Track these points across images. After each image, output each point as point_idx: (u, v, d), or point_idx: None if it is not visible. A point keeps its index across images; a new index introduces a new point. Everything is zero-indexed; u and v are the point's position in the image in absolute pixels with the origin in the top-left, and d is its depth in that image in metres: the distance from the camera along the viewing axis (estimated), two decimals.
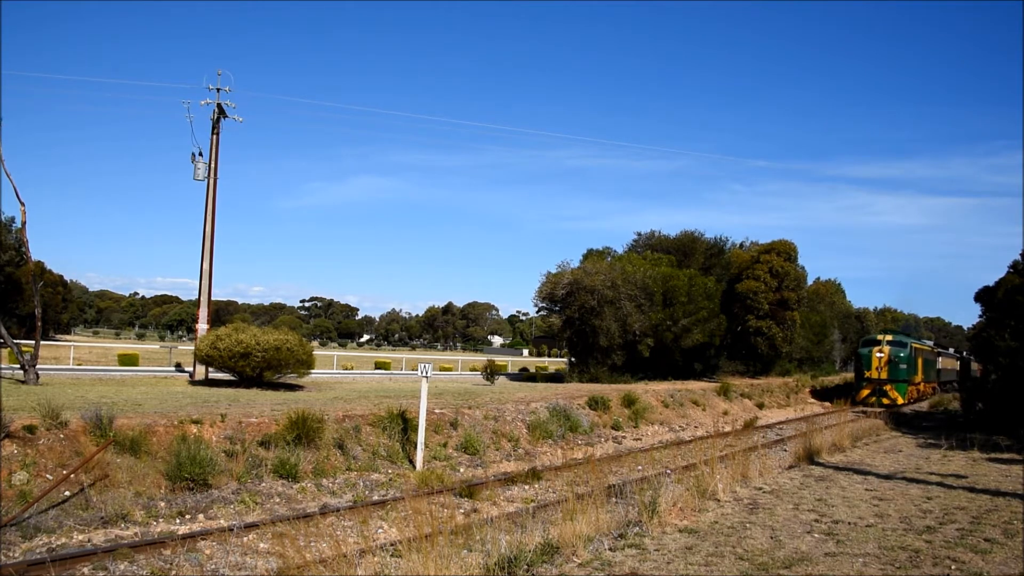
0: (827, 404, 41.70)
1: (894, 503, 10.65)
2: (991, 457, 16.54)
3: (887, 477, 13.26)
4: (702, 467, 11.46)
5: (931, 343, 59.82)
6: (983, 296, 26.08)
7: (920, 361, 41.94)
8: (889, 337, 40.00)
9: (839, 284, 77.66)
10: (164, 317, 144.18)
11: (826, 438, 16.90)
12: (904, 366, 37.88)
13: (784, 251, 47.64)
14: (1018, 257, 24.47)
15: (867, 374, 38.35)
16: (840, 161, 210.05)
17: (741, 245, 51.88)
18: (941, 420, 29.56)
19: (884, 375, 37.61)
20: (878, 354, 37.90)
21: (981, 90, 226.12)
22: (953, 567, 7.26)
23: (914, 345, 40.75)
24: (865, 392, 38.19)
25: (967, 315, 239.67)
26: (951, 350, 64.06)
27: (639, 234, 48.63)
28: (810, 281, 60.16)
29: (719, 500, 10.29)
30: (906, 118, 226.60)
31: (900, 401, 37.24)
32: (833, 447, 16.58)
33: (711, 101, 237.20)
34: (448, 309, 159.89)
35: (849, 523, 9.14)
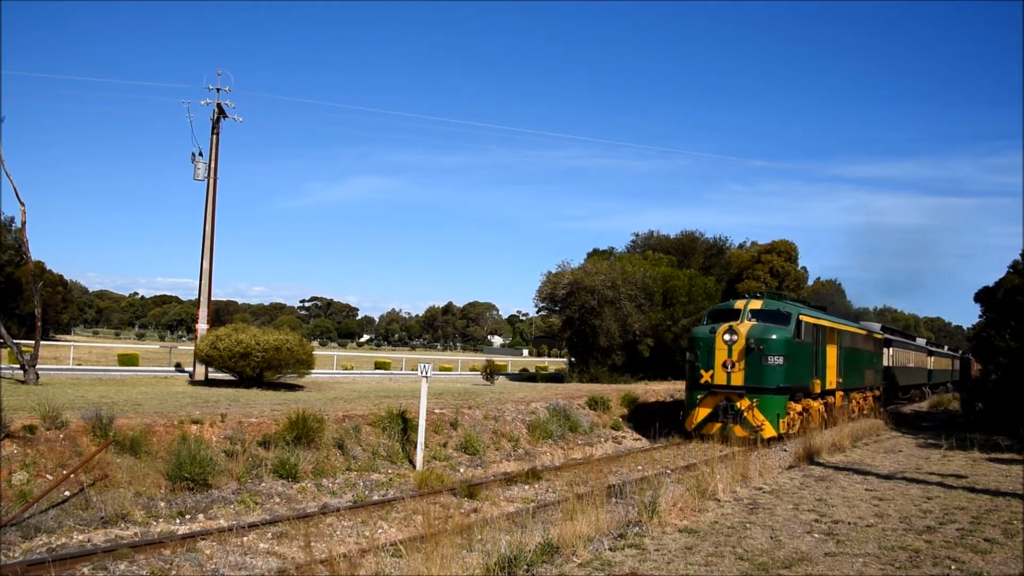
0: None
1: (894, 503, 10.66)
2: (991, 457, 16.54)
3: (887, 477, 13.26)
4: (702, 467, 11.47)
5: (925, 339, 51.63)
6: (983, 296, 26.08)
7: (835, 352, 24.21)
8: (756, 304, 21.28)
9: (839, 284, 77.82)
10: (164, 317, 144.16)
11: (826, 438, 16.91)
12: (780, 359, 19.62)
13: (784, 251, 47.65)
14: (1018, 257, 24.47)
15: (704, 376, 20.07)
16: (840, 161, 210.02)
17: (741, 245, 51.90)
18: (941, 420, 29.56)
19: (737, 378, 19.74)
20: (726, 337, 19.93)
21: (981, 90, 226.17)
22: (953, 567, 7.26)
23: (810, 320, 21.98)
24: (700, 414, 19.90)
25: (967, 315, 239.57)
26: (945, 348, 60.77)
27: (637, 235, 48.70)
28: (810, 281, 60.20)
29: (719, 500, 10.29)
30: (906, 118, 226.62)
31: (769, 432, 19.13)
32: (833, 447, 16.58)
33: (711, 101, 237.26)
34: (448, 309, 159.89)
35: (849, 523, 9.14)
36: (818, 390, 22.24)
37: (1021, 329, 21.64)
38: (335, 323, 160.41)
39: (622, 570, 6.79)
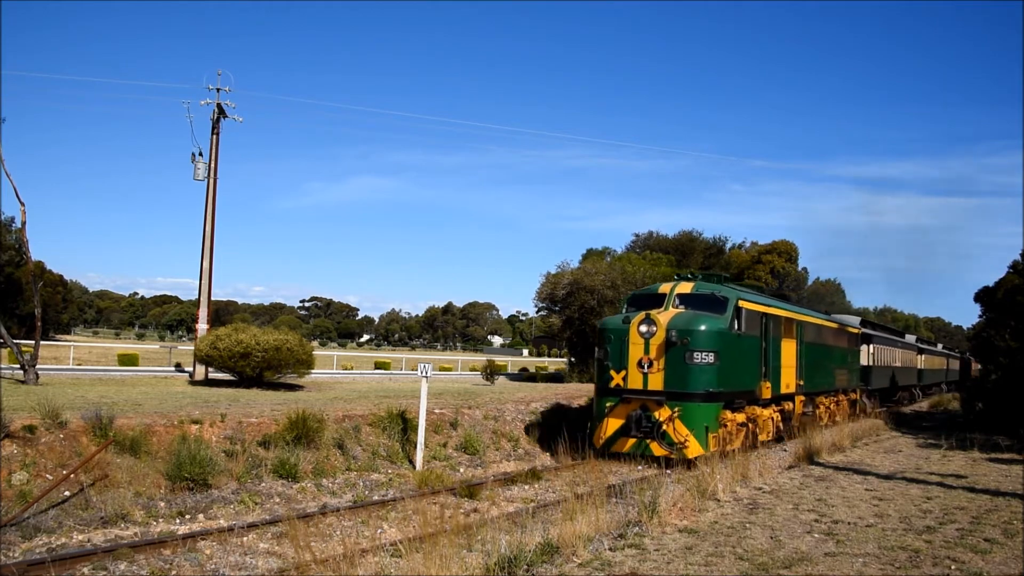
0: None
1: (894, 503, 10.66)
2: (991, 457, 16.54)
3: (887, 477, 13.27)
4: (702, 467, 11.48)
5: (915, 335, 48.39)
6: (983, 296, 26.05)
7: (795, 348, 20.06)
8: (685, 287, 17.14)
9: (839, 284, 77.85)
10: (164, 317, 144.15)
11: (826, 438, 16.92)
12: (710, 356, 15.50)
13: (784, 251, 47.67)
14: (1018, 257, 24.44)
15: (615, 379, 16.05)
16: (840, 161, 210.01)
17: (741, 246, 51.90)
18: (941, 420, 29.55)
19: (655, 380, 15.66)
20: (643, 328, 15.77)
21: (981, 90, 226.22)
22: (953, 567, 7.26)
23: (755, 307, 17.67)
24: (610, 426, 15.85)
25: (967, 315, 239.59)
26: (940, 346, 58.27)
27: (637, 235, 48.75)
28: (810, 281, 60.23)
29: (719, 500, 10.30)
30: (906, 118, 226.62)
31: (695, 449, 14.95)
32: (833, 447, 16.59)
33: (711, 101, 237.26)
34: (448, 309, 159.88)
35: (849, 523, 9.15)
36: (768, 395, 17.90)
37: (1021, 329, 21.63)
38: (335, 323, 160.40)
39: (622, 570, 6.79)
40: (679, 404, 15.23)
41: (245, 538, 9.52)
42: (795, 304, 25.32)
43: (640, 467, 15.19)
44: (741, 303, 16.72)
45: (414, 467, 14.78)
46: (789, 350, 19.79)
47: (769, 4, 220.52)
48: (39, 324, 19.25)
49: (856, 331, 28.66)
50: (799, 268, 49.34)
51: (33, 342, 19.11)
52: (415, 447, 15.07)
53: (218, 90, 24.86)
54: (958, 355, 59.05)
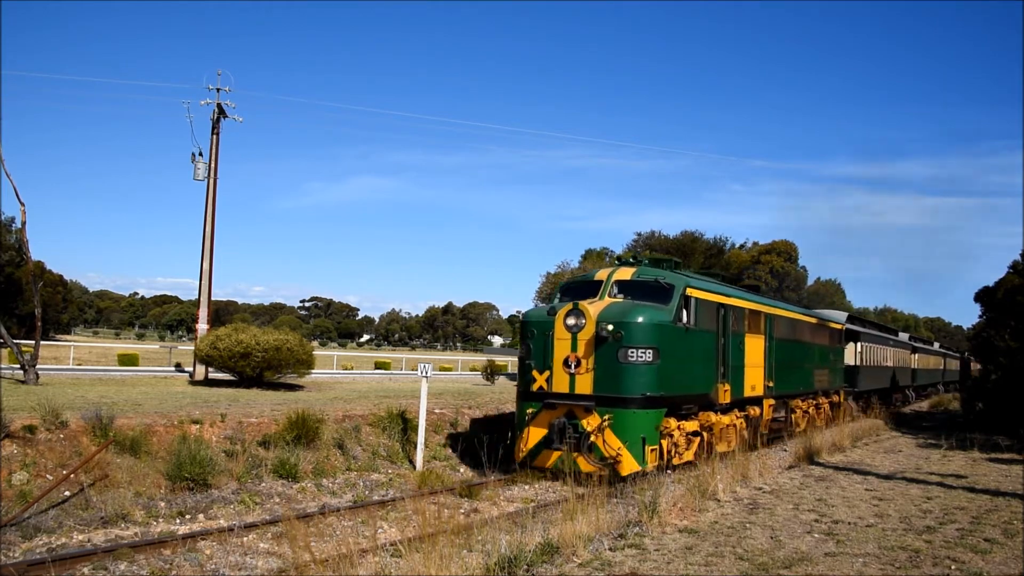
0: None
1: (894, 503, 10.66)
2: (991, 457, 16.55)
3: (887, 477, 13.27)
4: (702, 467, 11.48)
5: (908, 333, 45.34)
6: (983, 296, 26.06)
7: (763, 345, 18.13)
8: (625, 273, 14.82)
9: (839, 284, 77.88)
10: (164, 317, 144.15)
11: (826, 438, 16.92)
12: (649, 354, 13.21)
13: (784, 251, 47.68)
14: (1018, 257, 24.46)
15: (537, 380, 13.86)
16: (840, 161, 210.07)
17: (742, 246, 51.92)
18: (941, 420, 29.55)
19: (584, 383, 13.38)
20: (570, 321, 13.54)
21: (981, 90, 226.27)
22: (953, 567, 7.26)
23: (708, 297, 15.33)
24: (532, 436, 13.65)
25: (967, 315, 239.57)
26: (936, 345, 56.66)
27: (639, 234, 48.73)
28: (810, 281, 60.27)
29: (719, 500, 10.30)
30: (906, 118, 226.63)
31: (629, 465, 12.78)
32: (833, 447, 16.59)
33: (711, 101, 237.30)
34: (448, 309, 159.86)
35: (849, 523, 9.15)
36: (727, 399, 15.76)
37: (1021, 329, 21.63)
38: (335, 323, 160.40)
39: (622, 570, 6.79)
40: (611, 411, 13.00)
41: (245, 538, 9.52)
42: (772, 298, 22.38)
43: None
44: (690, 291, 14.43)
45: (414, 467, 14.78)
46: (755, 347, 17.60)
47: (769, 4, 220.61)
48: (39, 324, 19.25)
49: (840, 327, 26.53)
50: (799, 268, 49.35)
51: (33, 342, 19.11)
52: (415, 447, 15.07)
53: (218, 90, 24.89)
54: (957, 355, 58.39)
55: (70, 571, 8.09)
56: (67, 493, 10.41)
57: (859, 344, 28.92)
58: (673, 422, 13.85)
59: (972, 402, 25.55)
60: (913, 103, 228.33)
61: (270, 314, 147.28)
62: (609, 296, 14.27)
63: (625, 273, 14.78)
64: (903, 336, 42.46)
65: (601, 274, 15.17)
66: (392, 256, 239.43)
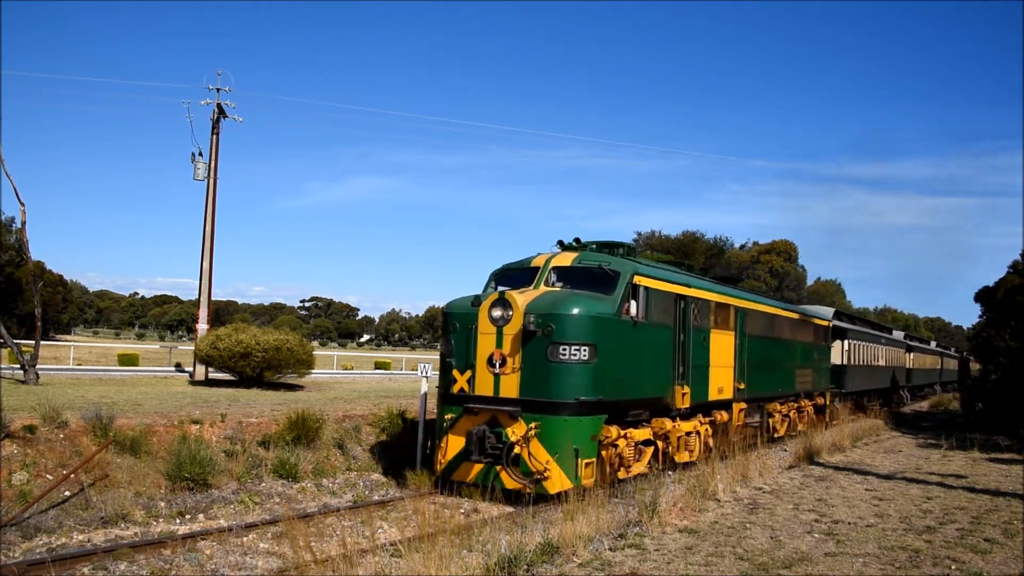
0: None
1: (894, 503, 10.66)
2: (991, 457, 16.55)
3: (887, 477, 13.27)
4: (702, 467, 11.47)
5: (903, 332, 43.55)
6: (983, 296, 26.05)
7: (733, 342, 16.69)
8: (565, 258, 13.20)
9: (839, 284, 77.90)
10: (164, 317, 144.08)
11: (826, 438, 16.93)
12: (585, 352, 11.43)
13: (784, 251, 47.69)
14: (1018, 257, 24.46)
15: (458, 381, 12.33)
16: (840, 161, 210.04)
17: (742, 247, 51.93)
18: (941, 420, 29.56)
19: (509, 384, 11.67)
20: (495, 313, 11.85)
21: (981, 90, 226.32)
22: (953, 567, 7.27)
23: (661, 286, 13.51)
24: (451, 446, 12.08)
25: (967, 315, 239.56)
26: (933, 344, 55.19)
27: (639, 234, 48.77)
28: (810, 281, 60.26)
29: (719, 500, 10.30)
30: (906, 118, 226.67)
31: (559, 482, 11.05)
32: (833, 447, 16.59)
33: (711, 101, 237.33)
34: None
35: (849, 523, 9.15)
36: (685, 403, 14.00)
37: (1021, 329, 21.63)
38: (335, 323, 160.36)
39: (622, 570, 6.79)
40: (539, 418, 11.26)
41: (245, 538, 9.53)
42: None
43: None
44: (639, 280, 12.67)
45: (414, 467, 14.76)
46: (723, 345, 15.96)
47: (769, 4, 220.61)
48: (39, 324, 19.24)
49: (825, 324, 24.86)
50: (799, 268, 49.36)
51: (33, 342, 19.11)
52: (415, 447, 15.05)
53: (218, 90, 24.89)
54: (955, 354, 57.87)
55: (70, 571, 8.09)
56: (67, 493, 10.41)
57: (846, 342, 27.29)
58: (615, 430, 12.05)
59: (972, 402, 25.55)
60: (913, 103, 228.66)
61: (270, 314, 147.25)
62: (545, 284, 12.69)
63: (565, 259, 13.15)
64: (897, 334, 41.07)
65: (538, 260, 13.39)
66: (392, 256, 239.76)
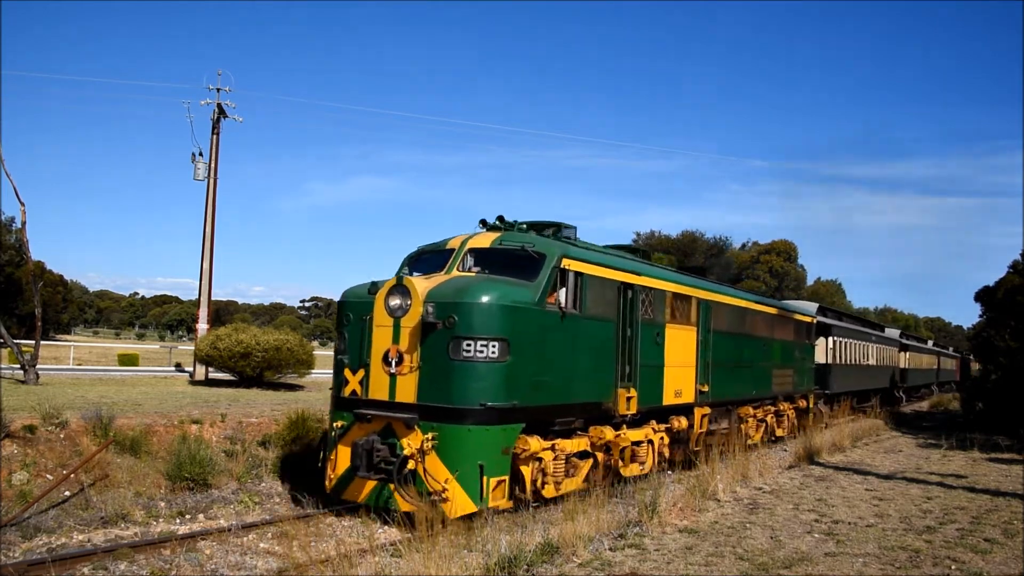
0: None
1: (894, 503, 10.66)
2: (991, 457, 16.56)
3: (887, 477, 13.27)
4: (702, 467, 11.48)
5: (899, 330, 41.55)
6: (983, 296, 26.07)
7: (695, 339, 14.78)
8: (483, 239, 11.29)
9: (839, 284, 77.89)
10: (164, 317, 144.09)
11: (826, 438, 16.93)
12: (495, 348, 9.53)
13: (784, 251, 47.69)
14: (1018, 257, 24.48)
15: (350, 383, 10.41)
16: (840, 161, 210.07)
17: (742, 247, 51.93)
18: (941, 420, 29.56)
19: (406, 387, 9.77)
20: (393, 303, 9.93)
21: (981, 90, 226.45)
22: (953, 567, 7.27)
23: (597, 271, 11.44)
24: (341, 459, 10.10)
25: (967, 315, 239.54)
26: (930, 343, 53.91)
27: (639, 234, 48.78)
28: (810, 281, 60.24)
29: (719, 500, 10.30)
30: (906, 118, 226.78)
31: (463, 505, 9.20)
32: (833, 447, 16.60)
33: (711, 101, 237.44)
34: None
35: (849, 523, 9.15)
36: (631, 408, 12.20)
37: (1021, 329, 21.64)
38: (335, 323, 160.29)
39: (622, 570, 6.79)
40: (439, 427, 9.45)
41: (245, 538, 9.52)
42: (714, 281, 17.73)
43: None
44: (569, 264, 10.78)
45: None
46: (682, 342, 14.10)
47: (769, 4, 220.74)
48: (39, 324, 19.24)
49: (809, 320, 22.75)
50: (799, 268, 49.37)
51: (33, 342, 19.10)
52: None
53: (218, 90, 24.90)
54: (954, 354, 57.38)
55: (70, 571, 8.09)
56: (67, 493, 10.41)
57: (831, 339, 25.12)
58: (537, 442, 10.13)
59: (972, 402, 25.56)
60: (913, 103, 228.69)
61: (270, 314, 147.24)
62: (460, 269, 10.94)
63: (484, 240, 11.31)
64: (891, 332, 39.02)
65: (454, 241, 11.52)
66: (392, 256, 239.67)
